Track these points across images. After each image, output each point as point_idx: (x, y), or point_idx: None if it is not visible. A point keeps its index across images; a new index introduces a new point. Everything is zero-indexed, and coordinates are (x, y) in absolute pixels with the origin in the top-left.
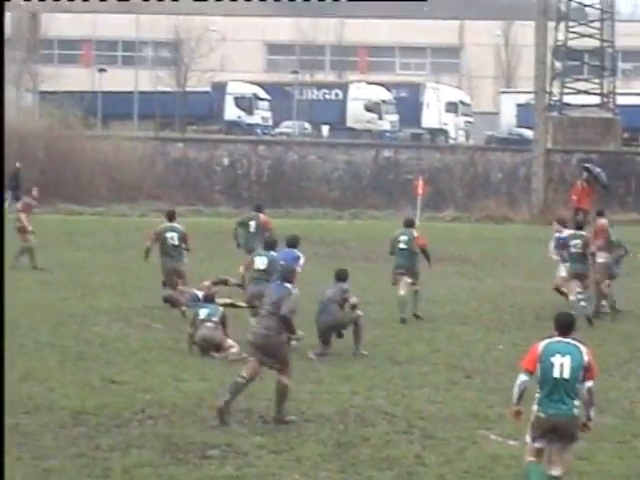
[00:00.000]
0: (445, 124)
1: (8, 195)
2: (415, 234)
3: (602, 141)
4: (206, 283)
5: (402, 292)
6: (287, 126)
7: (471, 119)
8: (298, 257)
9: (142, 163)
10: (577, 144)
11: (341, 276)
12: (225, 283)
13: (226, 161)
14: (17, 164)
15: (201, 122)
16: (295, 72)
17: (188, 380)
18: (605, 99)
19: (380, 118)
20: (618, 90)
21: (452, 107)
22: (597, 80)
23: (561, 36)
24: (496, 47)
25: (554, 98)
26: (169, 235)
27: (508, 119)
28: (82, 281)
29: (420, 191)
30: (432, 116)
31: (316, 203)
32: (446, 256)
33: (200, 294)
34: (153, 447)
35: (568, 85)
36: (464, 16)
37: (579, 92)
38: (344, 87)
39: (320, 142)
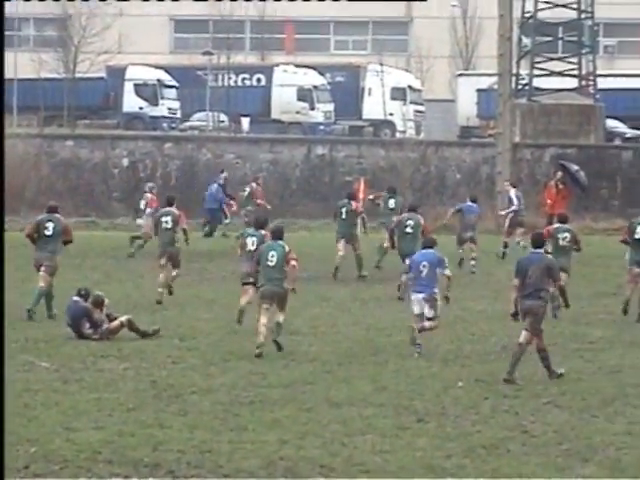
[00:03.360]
0: (391, 114)
1: None
2: (422, 220)
3: (581, 133)
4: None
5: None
6: (199, 119)
7: (422, 108)
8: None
9: (23, 165)
10: (550, 137)
11: (277, 234)
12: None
13: (125, 162)
14: None
15: (95, 115)
16: (208, 53)
17: (81, 429)
18: (584, 82)
19: (312, 108)
20: (599, 71)
21: (399, 94)
22: (574, 59)
23: (530, 6)
24: (452, 21)
25: (522, 81)
26: (164, 219)
27: (467, 107)
28: None
29: (361, 195)
30: (375, 105)
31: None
32: (394, 275)
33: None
34: None
35: (539, 66)
36: None
37: (552, 74)
38: (268, 71)
39: (239, 138)
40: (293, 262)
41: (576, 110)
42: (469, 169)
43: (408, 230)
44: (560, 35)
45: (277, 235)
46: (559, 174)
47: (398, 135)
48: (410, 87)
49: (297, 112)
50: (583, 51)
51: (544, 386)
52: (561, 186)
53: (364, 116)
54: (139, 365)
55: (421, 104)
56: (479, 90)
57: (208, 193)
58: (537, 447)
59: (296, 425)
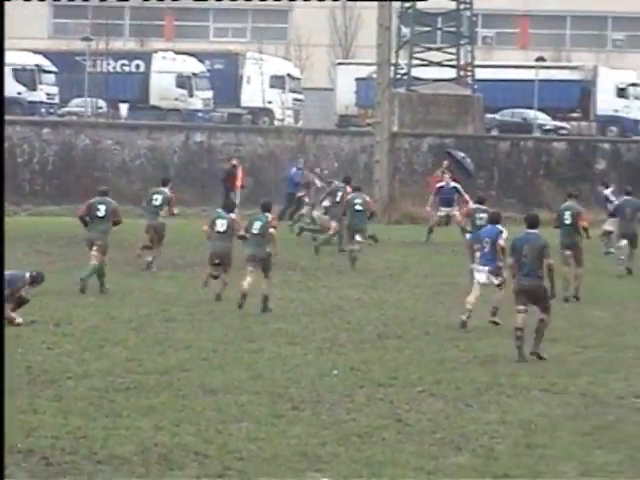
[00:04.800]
0: (269, 102)
1: None
2: (368, 198)
3: (459, 123)
4: None
5: (353, 247)
6: (77, 104)
7: (301, 96)
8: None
9: None
10: (428, 126)
11: (266, 207)
12: None
13: None
14: None
15: None
16: (87, 39)
17: None
18: (462, 72)
19: (191, 95)
20: (478, 62)
21: (278, 82)
22: (452, 50)
23: None
24: (331, 9)
25: (401, 71)
26: (155, 197)
27: (345, 96)
28: None
29: (239, 183)
30: (254, 93)
31: (113, 197)
32: (279, 262)
33: None
34: None
35: (418, 55)
36: None
37: (431, 64)
38: (147, 57)
39: (118, 124)
40: (272, 229)
41: (454, 100)
42: (347, 158)
43: (357, 208)
44: (439, 25)
45: (265, 208)
46: (445, 162)
47: (277, 123)
48: (289, 75)
49: (176, 99)
50: (461, 42)
51: (419, 375)
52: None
53: (243, 104)
54: (14, 350)
55: (300, 92)
56: (358, 79)
57: (288, 177)
58: (411, 435)
59: (171, 412)
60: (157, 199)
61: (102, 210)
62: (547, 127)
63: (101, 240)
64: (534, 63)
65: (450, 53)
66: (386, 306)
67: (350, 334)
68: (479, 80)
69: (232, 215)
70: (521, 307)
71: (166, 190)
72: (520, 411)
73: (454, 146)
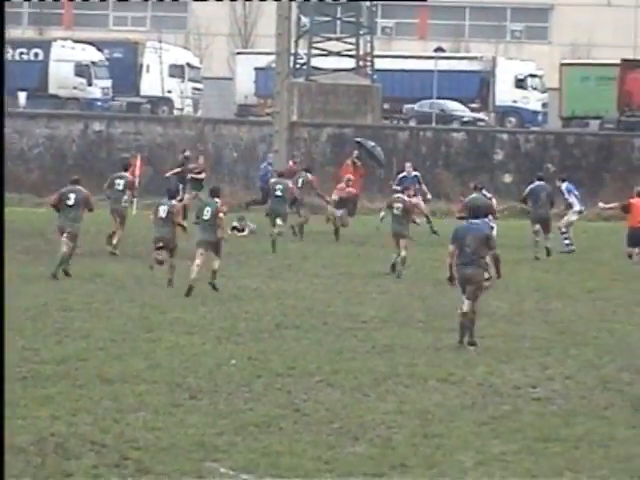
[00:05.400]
0: (169, 92)
1: None
2: (290, 184)
3: (358, 113)
4: None
5: (276, 231)
6: None
7: (200, 85)
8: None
9: None
10: (328, 116)
11: (215, 192)
12: None
13: None
14: None
15: None
16: None
17: None
18: (361, 62)
19: (89, 84)
20: (377, 52)
21: (177, 71)
22: (352, 40)
23: None
24: None
25: (300, 61)
26: (117, 182)
27: (245, 85)
28: None
29: (137, 172)
30: (153, 82)
31: (11, 187)
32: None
33: None
34: None
35: (317, 45)
36: None
37: (330, 54)
38: (45, 46)
39: (16, 113)
40: (221, 214)
41: (353, 90)
42: (246, 147)
43: (277, 193)
44: (338, 15)
45: (214, 193)
46: (355, 152)
47: (176, 112)
48: (188, 64)
49: (74, 87)
50: (361, 32)
51: (317, 365)
52: (358, 163)
53: (142, 93)
54: None
55: (199, 82)
56: (257, 69)
57: (260, 174)
58: (309, 425)
59: (68, 401)
60: (119, 184)
61: (72, 198)
62: (465, 119)
63: (71, 227)
64: (433, 54)
65: (349, 43)
66: (284, 296)
67: (248, 324)
68: (378, 70)
69: (173, 202)
70: (465, 295)
71: (128, 175)
72: (417, 401)
73: (353, 136)
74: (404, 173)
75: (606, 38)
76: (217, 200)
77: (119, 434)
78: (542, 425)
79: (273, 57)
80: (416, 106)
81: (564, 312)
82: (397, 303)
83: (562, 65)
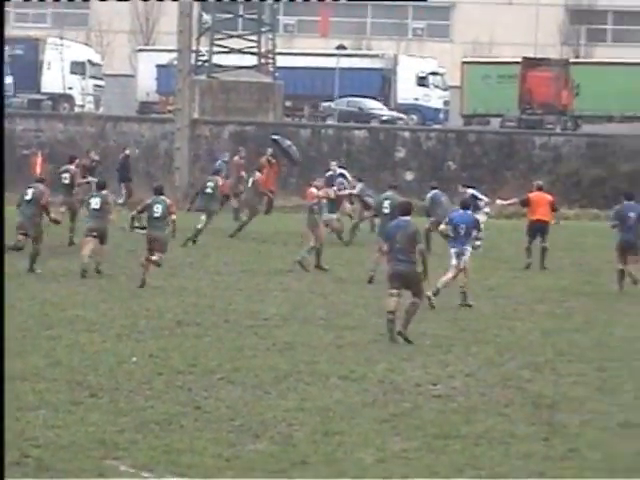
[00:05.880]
0: (70, 88)
1: None
2: (220, 182)
3: (259, 110)
4: None
5: (199, 226)
6: None
7: (102, 82)
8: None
9: None
10: (230, 114)
11: (159, 190)
12: None
13: None
14: None
15: None
16: None
17: None
18: (263, 60)
19: None
20: (279, 49)
21: (79, 68)
22: (254, 37)
23: None
24: None
25: (202, 58)
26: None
27: (146, 83)
28: None
29: (38, 170)
30: (54, 78)
31: None
32: (64, 252)
33: None
34: None
35: (219, 43)
36: None
37: (232, 51)
38: None
39: None
40: (173, 216)
41: (255, 88)
42: (148, 144)
43: (207, 190)
44: (240, 13)
45: (159, 191)
46: (269, 150)
47: (77, 109)
48: (90, 61)
49: None
50: (263, 29)
51: (218, 362)
52: (273, 161)
53: (43, 89)
54: None
55: (101, 79)
56: (159, 66)
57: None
58: (210, 422)
59: None
60: (66, 177)
61: (29, 194)
62: (384, 117)
63: (29, 223)
64: (335, 51)
65: (251, 40)
66: (185, 293)
67: (149, 321)
68: (280, 68)
69: (104, 192)
70: (394, 291)
71: (72, 167)
72: (318, 398)
73: (255, 133)
74: (330, 172)
75: (507, 36)
76: (166, 199)
77: (19, 432)
78: (442, 422)
79: (175, 54)
80: (333, 104)
81: (465, 310)
82: (298, 300)
83: (463, 63)
